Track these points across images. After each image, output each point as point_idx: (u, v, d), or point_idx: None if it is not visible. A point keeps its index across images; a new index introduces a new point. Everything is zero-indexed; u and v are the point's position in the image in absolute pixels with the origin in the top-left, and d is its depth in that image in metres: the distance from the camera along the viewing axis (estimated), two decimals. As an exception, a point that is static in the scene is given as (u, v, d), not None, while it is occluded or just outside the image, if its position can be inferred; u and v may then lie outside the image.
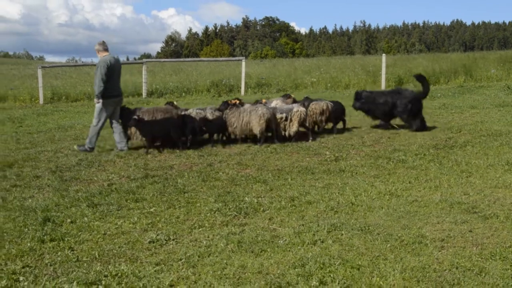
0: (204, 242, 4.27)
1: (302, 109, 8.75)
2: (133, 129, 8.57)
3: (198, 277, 3.61)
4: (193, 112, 8.87)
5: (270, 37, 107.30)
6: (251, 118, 8.41)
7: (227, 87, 19.22)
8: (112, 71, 8.35)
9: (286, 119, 8.63)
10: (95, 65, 9.93)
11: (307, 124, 8.91)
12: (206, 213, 5.06)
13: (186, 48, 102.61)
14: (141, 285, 3.50)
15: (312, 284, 3.41)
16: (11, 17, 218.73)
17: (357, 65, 22.48)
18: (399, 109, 9.67)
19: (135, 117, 8.23)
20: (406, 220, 4.66)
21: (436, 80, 18.91)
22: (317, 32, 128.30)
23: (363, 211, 5.00)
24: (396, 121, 10.08)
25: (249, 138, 8.89)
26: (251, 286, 3.44)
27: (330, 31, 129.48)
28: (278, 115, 8.63)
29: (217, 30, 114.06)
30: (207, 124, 8.55)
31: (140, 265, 3.86)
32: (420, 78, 10.24)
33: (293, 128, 8.64)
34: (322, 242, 4.17)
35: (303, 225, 4.62)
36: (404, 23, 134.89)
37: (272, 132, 8.80)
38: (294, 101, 9.86)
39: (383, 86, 17.59)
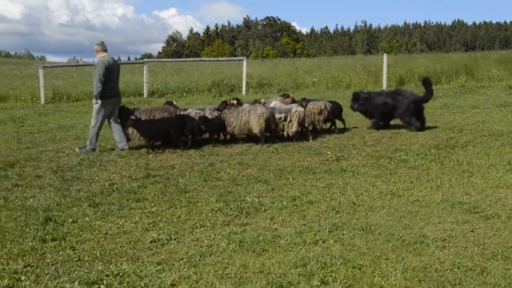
0: (206, 242, 4.27)
1: (301, 109, 8.77)
2: (131, 129, 8.57)
3: (200, 276, 3.61)
4: (192, 112, 8.89)
5: (271, 37, 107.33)
6: (250, 118, 8.42)
7: (228, 87, 19.23)
8: (111, 71, 8.37)
9: (284, 119, 8.65)
10: (95, 65, 9.95)
11: (306, 124, 8.90)
12: (207, 213, 5.06)
13: (187, 48, 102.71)
14: (142, 284, 3.50)
15: (314, 284, 3.41)
16: (12, 17, 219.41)
17: (358, 65, 22.47)
18: (399, 111, 9.67)
19: (133, 117, 8.25)
20: (408, 220, 4.65)
21: (437, 80, 18.88)
22: (318, 32, 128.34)
23: (364, 211, 4.99)
24: (396, 122, 10.08)
25: (248, 137, 8.87)
26: (253, 286, 3.43)
27: (331, 31, 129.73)
28: (277, 115, 8.64)
29: (218, 30, 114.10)
30: (206, 123, 8.55)
31: (142, 264, 3.86)
32: (426, 82, 10.03)
33: (292, 128, 8.65)
34: (324, 242, 4.16)
35: (304, 224, 4.61)
36: (405, 23, 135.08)
37: (271, 132, 8.81)
38: (293, 101, 9.91)
39: (384, 86, 17.58)
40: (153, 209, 5.23)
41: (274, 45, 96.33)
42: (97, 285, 3.51)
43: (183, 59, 43.13)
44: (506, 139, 8.14)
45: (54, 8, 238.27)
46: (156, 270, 3.72)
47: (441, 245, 4.02)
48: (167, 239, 4.35)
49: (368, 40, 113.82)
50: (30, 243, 4.30)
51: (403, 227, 4.47)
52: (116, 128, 8.62)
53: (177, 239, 4.37)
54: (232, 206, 5.19)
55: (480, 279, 3.43)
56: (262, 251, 4.01)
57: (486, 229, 4.37)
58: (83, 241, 4.37)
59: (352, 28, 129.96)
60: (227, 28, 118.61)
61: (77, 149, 8.59)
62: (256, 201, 5.36)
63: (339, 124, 9.95)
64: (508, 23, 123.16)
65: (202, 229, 4.63)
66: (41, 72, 17.76)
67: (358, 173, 6.54)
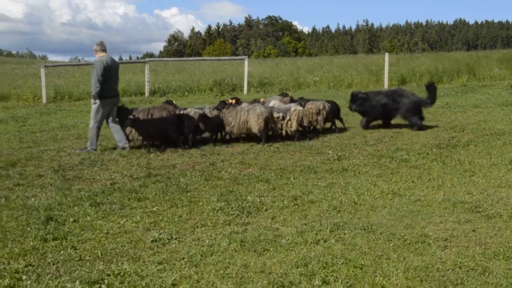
0: (207, 241, 4.26)
1: (300, 108, 8.79)
2: (129, 129, 8.56)
3: (201, 276, 3.60)
4: (191, 111, 8.89)
5: (272, 36, 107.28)
6: (249, 117, 8.43)
7: (230, 86, 19.22)
8: (109, 71, 8.37)
9: (283, 118, 8.66)
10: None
11: (304, 124, 8.89)
12: (208, 212, 5.05)
13: (189, 47, 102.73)
14: (143, 284, 3.49)
15: (315, 284, 3.40)
16: (14, 17, 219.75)
17: (360, 64, 22.44)
18: (401, 111, 9.65)
19: (131, 116, 8.25)
20: (409, 220, 4.64)
21: (439, 79, 18.84)
22: (320, 31, 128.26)
23: (366, 210, 4.98)
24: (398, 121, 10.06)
25: (248, 137, 8.86)
26: (254, 286, 3.43)
27: (333, 30, 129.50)
28: (275, 114, 8.65)
29: (220, 29, 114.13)
30: (206, 122, 8.55)
31: (143, 264, 3.85)
32: (431, 87, 9.90)
33: (292, 127, 8.65)
34: (325, 241, 4.16)
35: (305, 224, 4.61)
36: (407, 22, 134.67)
37: (271, 131, 8.81)
38: (292, 100, 9.93)
39: (386, 85, 17.56)
40: (154, 209, 5.22)
41: (276, 44, 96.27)
42: (98, 285, 3.51)
43: (184, 59, 43.13)
44: (508, 138, 8.12)
45: (56, 7, 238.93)
46: (157, 270, 3.72)
47: (443, 245, 4.01)
48: (168, 239, 4.35)
49: (369, 39, 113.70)
50: (31, 243, 4.30)
51: (405, 226, 4.46)
52: (114, 128, 8.62)
53: (178, 239, 4.37)
54: (233, 206, 5.18)
55: (482, 279, 3.42)
56: (263, 251, 4.01)
57: (488, 228, 4.36)
58: (84, 241, 4.37)
59: (353, 27, 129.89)
60: (228, 27, 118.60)
61: (77, 150, 8.57)
62: (257, 201, 5.36)
63: (337, 123, 9.95)
64: (510, 22, 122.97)
65: (203, 228, 4.62)
66: (42, 71, 17.78)
67: (359, 172, 6.53)
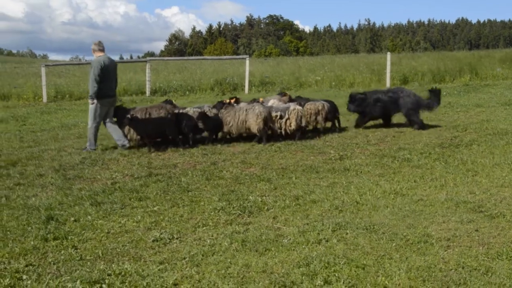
0: (208, 241, 4.25)
1: (299, 107, 8.78)
2: (127, 128, 8.55)
3: (202, 276, 3.59)
4: (190, 110, 8.87)
5: (274, 36, 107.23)
6: (248, 117, 8.42)
7: (231, 85, 19.20)
8: (107, 71, 8.35)
9: (281, 117, 8.64)
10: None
11: (303, 124, 8.86)
12: (210, 212, 5.04)
13: (190, 47, 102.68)
14: (144, 284, 3.48)
15: (317, 284, 3.38)
16: (14, 16, 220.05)
17: (362, 64, 22.40)
18: (403, 110, 9.63)
19: (129, 116, 8.24)
20: (412, 219, 4.62)
21: (441, 78, 18.82)
22: (322, 30, 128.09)
23: (368, 210, 4.96)
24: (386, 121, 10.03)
25: (246, 136, 8.83)
26: (255, 285, 3.41)
27: (335, 29, 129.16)
28: (273, 113, 8.64)
29: (221, 29, 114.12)
30: (206, 120, 8.52)
31: (144, 264, 3.84)
32: (434, 92, 9.80)
33: (291, 126, 8.64)
34: (327, 241, 4.14)
35: (307, 224, 4.59)
36: (409, 21, 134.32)
37: (270, 130, 8.79)
38: (290, 99, 9.92)
39: (388, 85, 17.52)
40: (155, 208, 5.21)
41: (277, 44, 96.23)
42: (99, 285, 3.49)
43: (185, 58, 43.08)
44: (510, 138, 8.09)
45: (56, 6, 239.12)
46: (158, 270, 3.70)
47: (446, 245, 3.99)
48: (169, 238, 4.33)
49: (371, 38, 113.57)
50: (32, 242, 4.29)
51: (407, 226, 4.43)
52: (112, 127, 8.61)
53: (179, 238, 4.36)
54: (234, 205, 5.16)
55: (485, 279, 3.40)
56: (265, 251, 3.99)
57: (491, 228, 4.34)
58: (85, 240, 4.36)
59: (355, 26, 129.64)
60: (229, 26, 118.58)
61: (84, 150, 8.52)
62: (259, 200, 5.34)
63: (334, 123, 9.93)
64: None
65: (204, 228, 4.61)
66: (43, 70, 17.77)
67: (361, 172, 6.51)
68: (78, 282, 3.50)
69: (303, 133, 8.98)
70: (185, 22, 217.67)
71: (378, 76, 19.28)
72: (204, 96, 17.86)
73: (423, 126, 9.45)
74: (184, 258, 3.90)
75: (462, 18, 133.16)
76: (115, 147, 8.61)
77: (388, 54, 18.76)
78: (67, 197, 5.68)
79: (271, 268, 3.67)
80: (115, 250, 4.12)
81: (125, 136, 8.59)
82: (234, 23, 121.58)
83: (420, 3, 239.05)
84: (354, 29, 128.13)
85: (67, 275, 3.63)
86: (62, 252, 4.10)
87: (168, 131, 8.28)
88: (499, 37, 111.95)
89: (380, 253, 3.85)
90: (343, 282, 3.38)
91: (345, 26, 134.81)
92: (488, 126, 9.38)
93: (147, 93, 18.30)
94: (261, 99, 9.66)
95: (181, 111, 8.86)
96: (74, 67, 26.78)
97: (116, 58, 8.62)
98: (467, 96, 14.54)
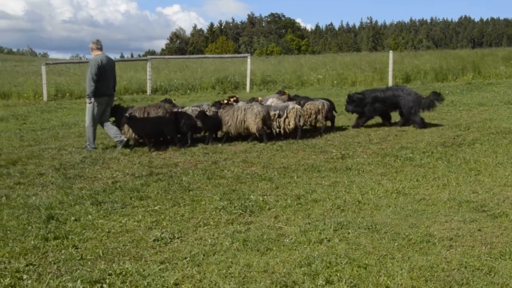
0: (209, 241, 4.23)
1: (298, 106, 8.77)
2: (126, 127, 8.54)
3: (203, 275, 3.57)
4: (189, 109, 8.85)
5: (275, 34, 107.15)
6: (247, 117, 8.40)
7: (232, 84, 19.17)
8: (104, 70, 8.34)
9: (279, 116, 8.62)
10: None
11: (300, 123, 8.83)
12: (211, 211, 5.02)
13: (191, 45, 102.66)
14: (145, 283, 3.46)
15: (319, 283, 3.36)
16: (15, 14, 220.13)
17: (364, 62, 22.34)
18: (404, 109, 9.60)
19: (127, 114, 8.23)
20: (414, 219, 4.59)
21: (444, 77, 18.77)
22: (323, 29, 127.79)
23: (370, 209, 4.94)
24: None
25: (244, 135, 8.79)
26: (257, 285, 3.39)
27: (336, 27, 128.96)
28: (272, 112, 8.62)
29: (222, 27, 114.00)
30: (205, 119, 8.50)
31: (145, 263, 3.82)
32: (435, 95, 9.72)
33: (290, 125, 8.61)
34: (329, 240, 4.12)
35: (309, 223, 4.57)
36: (411, 20, 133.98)
37: (269, 129, 8.77)
38: (289, 98, 9.91)
39: (390, 83, 17.46)
40: (156, 208, 5.19)
41: (279, 42, 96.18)
42: (99, 284, 3.48)
43: (186, 56, 43.05)
44: (513, 137, 8.05)
45: (57, 4, 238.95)
46: (159, 269, 3.69)
47: (448, 244, 3.97)
48: (170, 238, 4.32)
49: (373, 37, 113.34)
50: (32, 242, 4.27)
51: (409, 226, 4.41)
52: (108, 126, 8.59)
53: (180, 238, 4.34)
54: (236, 205, 5.14)
55: (487, 279, 3.37)
56: (266, 250, 3.97)
57: (493, 228, 4.31)
58: (86, 240, 4.34)
59: (357, 24, 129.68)
60: (231, 24, 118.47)
61: (84, 149, 8.51)
62: (260, 200, 5.32)
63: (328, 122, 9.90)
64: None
65: (205, 227, 4.59)
66: (43, 69, 17.76)
67: (363, 171, 6.48)
68: (78, 281, 3.49)
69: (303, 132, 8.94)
70: (186, 20, 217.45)
71: (380, 75, 19.25)
72: (205, 94, 17.83)
73: (423, 125, 9.42)
74: (185, 258, 3.88)
75: (465, 16, 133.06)
76: (116, 146, 8.60)
77: (391, 53, 18.71)
78: (68, 196, 5.67)
79: (273, 268, 3.65)
80: (115, 250, 4.10)
81: (120, 131, 8.58)
82: (235, 21, 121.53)
83: (423, 1, 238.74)
84: (356, 27, 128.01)
85: (68, 275, 3.62)
86: (63, 251, 4.09)
87: (166, 130, 8.27)
88: (502, 35, 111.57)
89: (382, 253, 3.83)
90: (345, 282, 3.36)
91: (347, 24, 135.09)
92: (491, 125, 9.35)
93: (148, 91, 18.29)
94: (259, 98, 9.63)
95: (179, 109, 8.84)
96: (75, 65, 26.75)
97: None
98: (470, 95, 14.50)
